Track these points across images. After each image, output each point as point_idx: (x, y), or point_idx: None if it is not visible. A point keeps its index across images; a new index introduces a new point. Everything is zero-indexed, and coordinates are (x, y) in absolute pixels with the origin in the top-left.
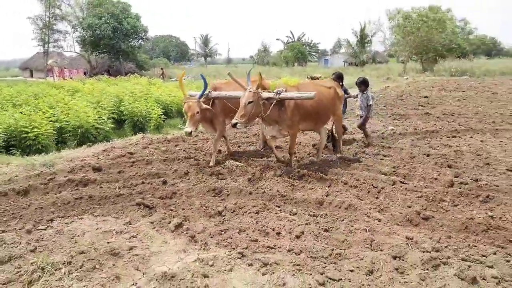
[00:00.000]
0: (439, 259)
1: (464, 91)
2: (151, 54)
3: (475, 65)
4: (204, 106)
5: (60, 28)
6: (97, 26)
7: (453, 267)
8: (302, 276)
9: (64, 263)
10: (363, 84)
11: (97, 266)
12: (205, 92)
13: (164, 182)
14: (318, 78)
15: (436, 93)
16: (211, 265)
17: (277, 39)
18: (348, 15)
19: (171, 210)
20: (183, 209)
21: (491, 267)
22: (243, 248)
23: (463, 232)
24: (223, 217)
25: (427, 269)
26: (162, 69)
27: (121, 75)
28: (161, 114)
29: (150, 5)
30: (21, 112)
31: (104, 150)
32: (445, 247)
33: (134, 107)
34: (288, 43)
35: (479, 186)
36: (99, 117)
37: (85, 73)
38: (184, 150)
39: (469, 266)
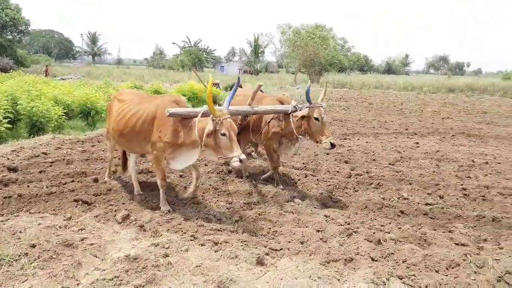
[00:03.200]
0: (351, 229)
1: (346, 101)
2: (28, 49)
3: (353, 79)
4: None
5: None
6: None
7: (362, 234)
8: (250, 249)
9: (20, 255)
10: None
11: (54, 256)
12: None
13: (96, 180)
14: (217, 84)
15: (325, 102)
16: (167, 248)
17: (173, 43)
18: (241, 26)
19: (112, 205)
20: (124, 203)
21: (389, 232)
22: (193, 232)
23: (365, 210)
24: None
25: (344, 237)
26: (47, 66)
27: None
28: (62, 115)
29: None
30: None
31: (13, 151)
32: (354, 221)
33: (33, 107)
34: (185, 47)
35: (370, 177)
36: None
37: None
38: (103, 150)
39: (374, 233)
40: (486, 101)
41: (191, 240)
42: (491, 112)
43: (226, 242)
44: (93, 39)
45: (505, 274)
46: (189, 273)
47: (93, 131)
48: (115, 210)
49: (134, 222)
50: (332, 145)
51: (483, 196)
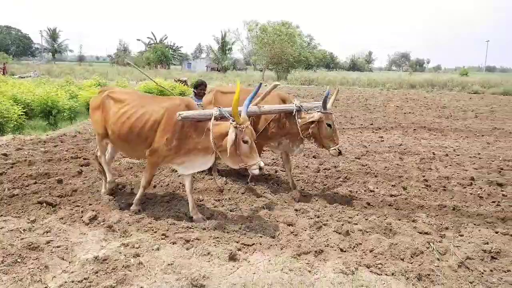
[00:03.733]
0: (321, 222)
1: (314, 98)
2: None
3: (320, 76)
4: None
5: None
6: None
7: (331, 227)
8: (222, 245)
9: None
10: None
11: (19, 260)
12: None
13: (60, 181)
14: (185, 81)
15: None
16: (138, 247)
17: (138, 40)
18: (208, 22)
19: (78, 206)
20: (90, 204)
21: (356, 224)
22: (164, 231)
23: (333, 203)
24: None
25: (314, 230)
26: (4, 64)
27: None
28: (22, 114)
29: None
30: None
31: None
32: (323, 214)
33: None
34: (150, 44)
35: (338, 171)
36: None
37: None
38: (67, 150)
39: (342, 225)
40: (445, 96)
41: (162, 239)
42: (450, 107)
43: (198, 239)
44: (53, 35)
45: (466, 259)
46: (161, 272)
47: (55, 130)
48: (82, 211)
49: (102, 223)
50: (340, 153)
51: (443, 187)
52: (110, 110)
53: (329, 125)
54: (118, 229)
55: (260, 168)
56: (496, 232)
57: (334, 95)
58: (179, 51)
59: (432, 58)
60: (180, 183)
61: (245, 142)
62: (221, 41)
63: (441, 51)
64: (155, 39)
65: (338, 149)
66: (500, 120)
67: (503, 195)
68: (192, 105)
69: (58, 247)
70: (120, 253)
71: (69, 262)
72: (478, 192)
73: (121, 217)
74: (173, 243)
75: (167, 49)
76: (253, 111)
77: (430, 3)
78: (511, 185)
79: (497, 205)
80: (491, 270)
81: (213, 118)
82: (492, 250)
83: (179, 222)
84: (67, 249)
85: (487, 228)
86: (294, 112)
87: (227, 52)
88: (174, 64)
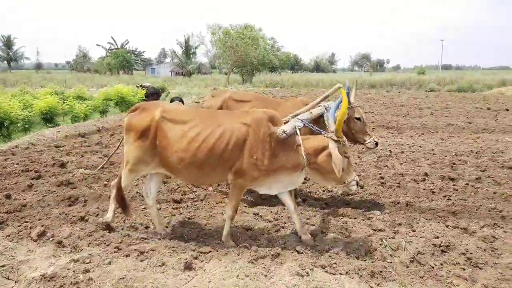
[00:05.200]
0: (279, 225)
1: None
2: None
3: (284, 78)
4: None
5: None
6: None
7: (289, 229)
8: (178, 255)
9: None
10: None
11: None
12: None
13: (8, 196)
14: (148, 87)
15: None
16: (88, 262)
17: (98, 45)
18: (171, 26)
19: (26, 222)
20: (40, 219)
21: (314, 224)
22: (118, 243)
23: None
24: (87, 222)
25: (272, 233)
26: None
27: None
28: None
29: None
30: None
31: None
32: (282, 216)
33: None
34: (111, 49)
35: None
36: None
37: None
38: (17, 163)
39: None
40: (403, 94)
41: (115, 252)
42: (407, 105)
43: (153, 250)
44: (8, 42)
45: (417, 254)
46: (112, 287)
47: (6, 142)
48: (30, 227)
49: (51, 239)
50: (376, 144)
51: (398, 183)
52: (171, 135)
53: (358, 119)
54: (68, 244)
55: (357, 184)
56: (447, 226)
57: (353, 88)
58: (142, 56)
59: (392, 58)
60: (137, 192)
61: (347, 157)
62: (184, 45)
63: (401, 51)
64: (116, 44)
65: (374, 141)
66: (454, 116)
67: (454, 189)
68: (276, 118)
69: (3, 266)
70: (69, 269)
71: (15, 282)
72: (431, 187)
73: (71, 232)
74: (127, 256)
75: (129, 54)
76: (305, 118)
77: (391, 5)
78: (462, 179)
79: (448, 199)
80: (441, 264)
81: (299, 131)
82: (442, 244)
83: (134, 234)
84: (13, 268)
85: (438, 222)
86: (324, 113)
87: (191, 56)
88: (137, 70)
